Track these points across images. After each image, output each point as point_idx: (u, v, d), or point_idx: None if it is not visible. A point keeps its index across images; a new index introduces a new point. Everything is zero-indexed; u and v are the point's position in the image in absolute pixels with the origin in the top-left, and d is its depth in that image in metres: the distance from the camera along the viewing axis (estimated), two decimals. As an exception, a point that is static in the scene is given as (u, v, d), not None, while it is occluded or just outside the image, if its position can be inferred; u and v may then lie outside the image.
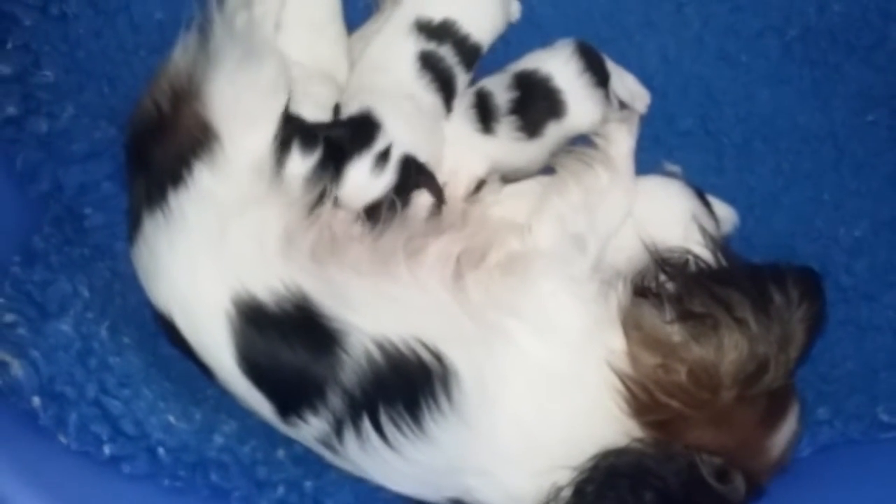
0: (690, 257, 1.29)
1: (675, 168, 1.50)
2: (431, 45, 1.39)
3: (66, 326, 1.22)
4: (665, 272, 1.27)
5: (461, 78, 1.42)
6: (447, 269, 1.25)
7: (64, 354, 1.20)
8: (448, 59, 1.40)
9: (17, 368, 1.16)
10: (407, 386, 1.18)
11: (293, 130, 1.30)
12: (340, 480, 1.27)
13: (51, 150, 1.37)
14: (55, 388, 1.18)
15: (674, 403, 1.17)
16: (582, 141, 1.44)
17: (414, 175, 1.32)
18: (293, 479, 1.26)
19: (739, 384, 1.17)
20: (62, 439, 1.17)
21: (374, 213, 1.31)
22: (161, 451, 1.21)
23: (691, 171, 1.50)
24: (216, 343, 1.22)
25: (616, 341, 1.22)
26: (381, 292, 1.23)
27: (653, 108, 1.53)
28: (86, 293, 1.27)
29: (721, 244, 1.33)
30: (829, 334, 1.35)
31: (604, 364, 1.20)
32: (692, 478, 1.15)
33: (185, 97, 1.29)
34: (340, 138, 1.31)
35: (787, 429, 1.22)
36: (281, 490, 1.25)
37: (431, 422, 1.17)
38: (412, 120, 1.35)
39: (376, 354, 1.18)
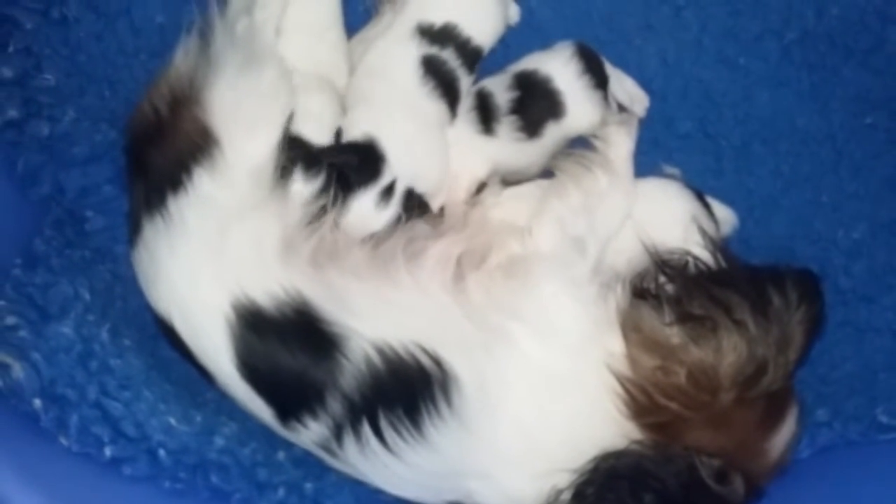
0: (690, 259, 1.29)
1: (675, 170, 1.51)
2: (434, 50, 1.39)
3: (67, 329, 1.22)
4: (665, 274, 1.27)
5: (464, 81, 1.42)
6: (448, 271, 1.25)
7: (65, 357, 1.21)
8: (451, 62, 1.40)
9: (18, 371, 1.16)
10: (407, 391, 1.18)
11: (297, 154, 1.30)
12: (340, 482, 1.27)
13: (52, 154, 1.38)
14: (56, 390, 1.19)
15: (673, 405, 1.18)
16: (581, 144, 1.45)
17: (415, 207, 1.33)
18: (293, 481, 1.27)
19: (738, 386, 1.17)
20: (63, 441, 1.18)
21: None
22: (162, 452, 1.21)
23: (690, 173, 1.51)
24: (216, 347, 1.22)
25: (615, 344, 1.22)
26: (381, 296, 1.23)
27: (652, 110, 1.54)
28: (87, 296, 1.28)
29: (720, 246, 1.33)
30: (827, 336, 1.34)
31: (603, 366, 1.20)
32: (691, 479, 1.15)
33: (186, 102, 1.29)
34: (347, 166, 1.31)
35: (786, 430, 1.22)
36: (281, 492, 1.25)
37: (431, 426, 1.18)
38: (414, 146, 1.35)
39: (376, 359, 1.18)
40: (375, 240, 1.28)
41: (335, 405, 1.19)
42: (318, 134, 1.34)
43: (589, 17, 1.58)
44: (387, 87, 1.38)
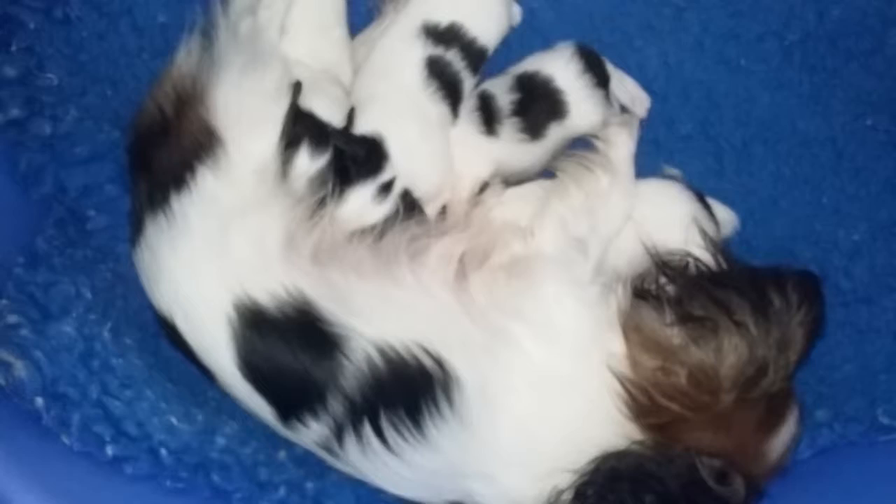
0: (691, 260, 1.29)
1: (676, 172, 1.51)
2: (439, 50, 1.39)
3: (68, 328, 1.22)
4: (665, 275, 1.28)
5: (468, 82, 1.42)
6: (450, 270, 1.25)
7: (67, 355, 1.21)
8: (455, 63, 1.40)
9: (20, 369, 1.16)
10: (408, 391, 1.18)
11: (304, 128, 1.30)
12: (342, 482, 1.27)
13: (54, 153, 1.38)
14: (58, 388, 1.19)
15: (673, 406, 1.18)
16: (582, 144, 1.45)
17: (414, 209, 1.34)
18: (295, 481, 1.27)
19: (739, 387, 1.17)
20: (65, 440, 1.18)
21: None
22: (163, 451, 1.21)
23: (691, 174, 1.51)
24: (217, 347, 1.22)
25: (616, 344, 1.22)
26: (384, 296, 1.23)
27: (653, 111, 1.54)
28: (88, 295, 1.28)
29: (721, 247, 1.34)
30: (828, 337, 1.35)
31: (604, 367, 1.20)
32: (692, 480, 1.16)
33: (190, 101, 1.30)
34: (355, 155, 1.31)
35: (787, 431, 1.22)
36: (282, 491, 1.25)
37: (432, 427, 1.18)
38: (417, 148, 1.35)
39: (377, 359, 1.18)
40: (377, 237, 1.27)
41: (336, 405, 1.19)
42: (329, 112, 1.33)
43: (590, 19, 1.58)
44: (392, 87, 1.38)
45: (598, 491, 1.16)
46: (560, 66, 1.44)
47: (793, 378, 1.23)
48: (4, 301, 1.22)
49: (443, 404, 1.17)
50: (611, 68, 1.48)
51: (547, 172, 1.45)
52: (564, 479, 1.16)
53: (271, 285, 1.21)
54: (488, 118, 1.42)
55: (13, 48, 1.40)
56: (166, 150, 1.28)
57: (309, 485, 1.27)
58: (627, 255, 1.33)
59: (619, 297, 1.26)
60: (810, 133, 1.58)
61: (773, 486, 1.22)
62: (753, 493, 1.19)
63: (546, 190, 1.38)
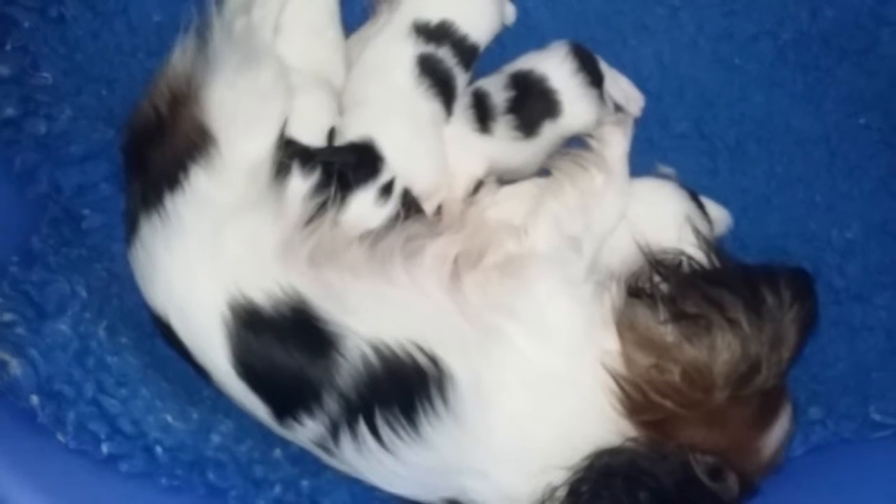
0: (684, 258, 1.30)
1: (669, 170, 1.51)
2: (430, 48, 1.40)
3: (64, 326, 1.23)
4: (659, 273, 1.28)
5: (460, 79, 1.42)
6: (444, 270, 1.26)
7: (62, 354, 1.21)
8: (447, 60, 1.40)
9: (15, 367, 1.16)
10: (403, 389, 1.18)
11: (293, 151, 1.31)
12: (337, 480, 1.28)
13: (49, 152, 1.38)
14: (53, 386, 1.19)
15: (667, 403, 1.18)
16: (577, 143, 1.45)
17: (411, 207, 1.34)
18: (290, 479, 1.27)
19: (732, 384, 1.18)
20: (60, 438, 1.18)
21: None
22: (158, 449, 1.21)
23: (685, 173, 1.51)
24: (212, 346, 1.23)
25: (610, 342, 1.23)
26: (378, 295, 1.23)
27: (647, 110, 1.54)
28: (83, 294, 1.28)
29: (714, 245, 1.34)
30: (821, 335, 1.36)
31: (598, 365, 1.20)
32: (686, 477, 1.16)
33: (184, 101, 1.30)
34: (345, 165, 1.31)
35: (780, 428, 1.22)
36: (278, 489, 1.26)
37: (427, 424, 1.18)
38: (410, 146, 1.36)
39: (372, 358, 1.19)
40: (373, 238, 1.28)
41: (332, 403, 1.19)
42: (309, 136, 1.34)
43: (585, 18, 1.58)
44: (383, 87, 1.39)
45: (592, 488, 1.16)
46: (554, 65, 1.44)
47: (786, 375, 1.24)
48: (0, 299, 1.22)
49: (437, 402, 1.18)
50: (605, 67, 1.49)
51: (542, 171, 1.45)
52: (558, 476, 1.17)
53: (266, 284, 1.21)
54: (482, 116, 1.42)
55: (8, 47, 1.39)
56: (161, 150, 1.28)
57: (304, 483, 1.28)
58: (621, 254, 1.33)
59: (613, 294, 1.26)
60: (804, 132, 1.58)
61: (767, 482, 1.23)
62: (747, 490, 1.20)
63: (541, 188, 1.38)
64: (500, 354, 1.20)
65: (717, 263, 1.30)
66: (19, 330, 1.20)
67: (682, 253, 1.30)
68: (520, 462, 1.19)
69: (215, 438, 1.26)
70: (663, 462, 1.16)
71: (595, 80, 1.45)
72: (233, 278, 1.21)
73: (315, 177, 1.29)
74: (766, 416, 1.21)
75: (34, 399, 1.18)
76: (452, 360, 1.19)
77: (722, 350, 1.18)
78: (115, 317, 1.30)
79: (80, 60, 1.46)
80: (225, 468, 1.24)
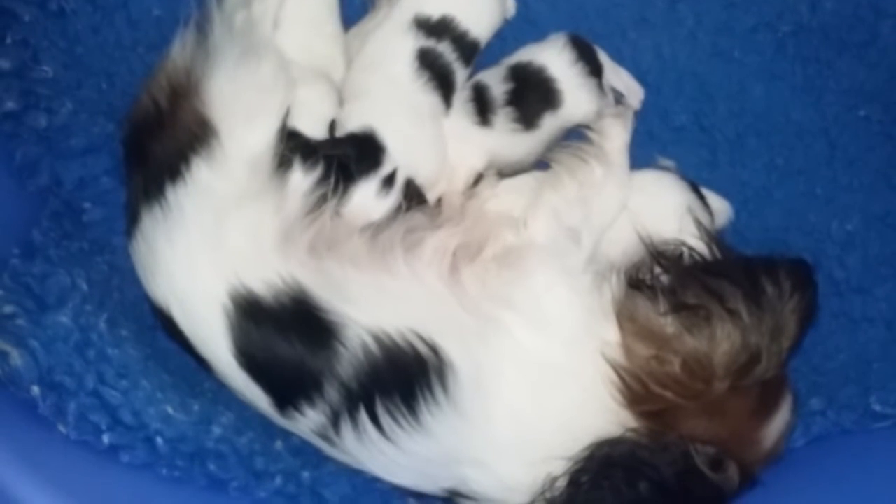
0: (685, 250, 1.30)
1: (670, 163, 1.51)
2: (430, 42, 1.40)
3: (64, 318, 1.22)
4: (659, 264, 1.28)
5: (460, 74, 1.43)
6: (444, 263, 1.26)
7: (63, 345, 1.21)
8: (447, 55, 1.41)
9: (16, 358, 1.16)
10: (403, 378, 1.19)
11: (295, 145, 1.31)
12: (338, 471, 1.28)
13: (50, 145, 1.38)
14: (54, 377, 1.19)
15: (667, 394, 1.18)
16: (577, 136, 1.45)
17: (413, 198, 1.34)
18: (291, 470, 1.27)
19: (732, 375, 1.18)
20: (61, 428, 1.18)
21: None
22: (159, 440, 1.21)
23: (685, 166, 1.51)
24: (213, 337, 1.23)
25: (610, 333, 1.23)
26: (379, 285, 1.23)
27: (647, 103, 1.54)
28: (84, 286, 1.28)
29: (715, 237, 1.34)
30: (822, 327, 1.37)
31: (598, 355, 1.21)
32: (686, 467, 1.16)
33: (184, 94, 1.30)
34: (346, 157, 1.32)
35: (781, 419, 1.23)
36: (279, 480, 1.26)
37: (428, 413, 1.18)
38: (410, 138, 1.36)
39: (373, 347, 1.19)
40: (374, 230, 1.28)
41: (332, 393, 1.19)
42: (312, 128, 1.34)
43: (584, 11, 1.58)
44: (383, 80, 1.39)
45: (592, 478, 1.17)
46: (553, 56, 1.45)
47: (786, 366, 1.24)
48: (1, 292, 1.22)
49: (437, 391, 1.18)
50: (605, 59, 1.49)
51: (541, 164, 1.46)
52: (558, 467, 1.17)
53: (267, 275, 1.21)
54: (482, 108, 1.42)
55: (8, 41, 1.39)
56: (161, 142, 1.29)
57: (305, 474, 1.28)
58: (622, 245, 1.34)
59: (613, 286, 1.26)
60: (804, 124, 1.58)
61: (768, 473, 1.23)
62: (747, 481, 1.20)
63: (540, 181, 1.39)
64: (499, 344, 1.20)
65: (717, 254, 1.30)
66: (20, 321, 1.20)
67: (683, 244, 1.31)
68: (520, 452, 1.19)
69: (216, 430, 1.26)
70: (664, 453, 1.17)
71: (594, 69, 1.46)
72: (234, 269, 1.22)
73: (317, 172, 1.30)
74: (766, 407, 1.22)
75: (35, 390, 1.18)
76: (452, 350, 1.19)
77: (722, 340, 1.18)
78: (116, 309, 1.30)
79: (80, 54, 1.46)
80: (226, 459, 1.24)
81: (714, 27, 1.59)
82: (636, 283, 1.27)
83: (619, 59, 1.54)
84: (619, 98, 1.50)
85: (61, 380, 1.19)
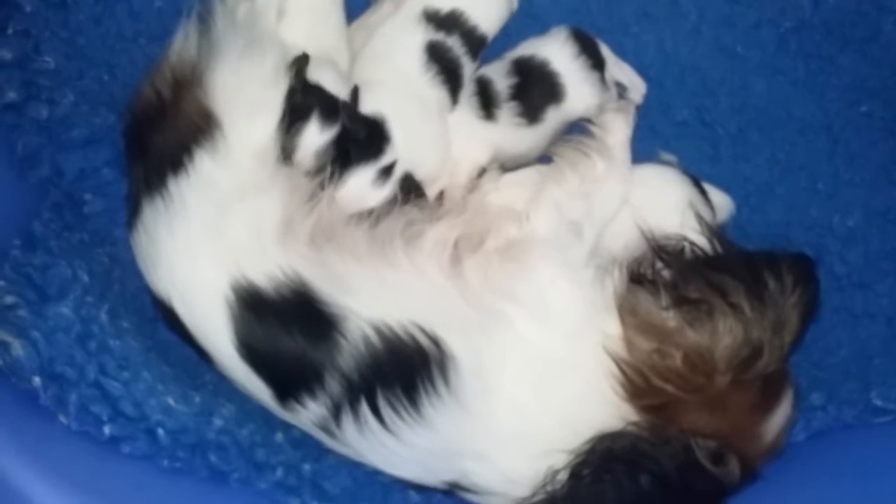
0: (686, 244, 1.30)
1: (671, 157, 1.51)
2: (439, 36, 1.40)
3: (66, 309, 1.22)
4: (661, 259, 1.28)
5: (467, 68, 1.43)
6: (445, 255, 1.26)
7: (64, 336, 1.21)
8: (455, 49, 1.41)
9: (17, 348, 1.16)
10: (405, 370, 1.19)
11: (315, 100, 1.30)
12: (338, 464, 1.28)
13: (51, 136, 1.38)
14: (55, 368, 1.19)
15: (669, 388, 1.18)
16: (579, 130, 1.45)
17: (412, 192, 1.34)
18: (292, 462, 1.27)
19: (734, 369, 1.18)
20: (62, 419, 1.18)
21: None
22: (160, 432, 1.21)
23: (687, 161, 1.51)
24: (215, 329, 1.23)
25: (612, 326, 1.23)
26: (380, 277, 1.23)
27: (649, 98, 1.54)
28: (85, 278, 1.27)
29: (716, 231, 1.34)
30: (823, 322, 1.37)
31: (600, 349, 1.20)
32: (687, 461, 1.16)
33: (187, 85, 1.30)
34: (356, 133, 1.31)
35: (782, 413, 1.23)
36: (280, 472, 1.26)
37: (429, 406, 1.18)
38: (417, 131, 1.36)
39: (374, 339, 1.19)
40: (374, 221, 1.28)
41: (334, 385, 1.19)
42: (336, 85, 1.33)
43: (587, 5, 1.58)
44: (391, 72, 1.39)
45: (593, 471, 1.17)
46: (555, 49, 1.45)
47: (788, 360, 1.24)
48: (2, 282, 1.22)
49: (439, 383, 1.18)
50: (607, 53, 1.49)
51: (544, 158, 1.45)
52: (560, 460, 1.17)
53: (268, 267, 1.21)
54: (486, 103, 1.42)
55: (10, 31, 1.39)
56: (163, 134, 1.28)
57: (306, 466, 1.28)
58: (624, 239, 1.34)
59: (615, 279, 1.26)
60: (806, 120, 1.58)
61: (768, 468, 1.23)
62: (748, 475, 1.20)
63: (542, 175, 1.39)
64: (501, 337, 1.20)
65: (719, 249, 1.30)
66: (21, 312, 1.20)
67: (685, 239, 1.31)
68: (521, 445, 1.19)
69: (217, 422, 1.25)
70: (665, 446, 1.17)
71: (596, 63, 1.46)
72: (235, 261, 1.21)
73: (332, 133, 1.29)
74: (767, 401, 1.22)
75: (36, 380, 1.17)
76: (454, 342, 1.19)
77: (724, 335, 1.18)
78: (117, 301, 1.29)
79: (81, 45, 1.46)
80: (227, 451, 1.24)
81: (717, 22, 1.59)
82: (638, 277, 1.27)
83: (621, 53, 1.53)
84: (621, 92, 1.49)
85: (62, 371, 1.19)
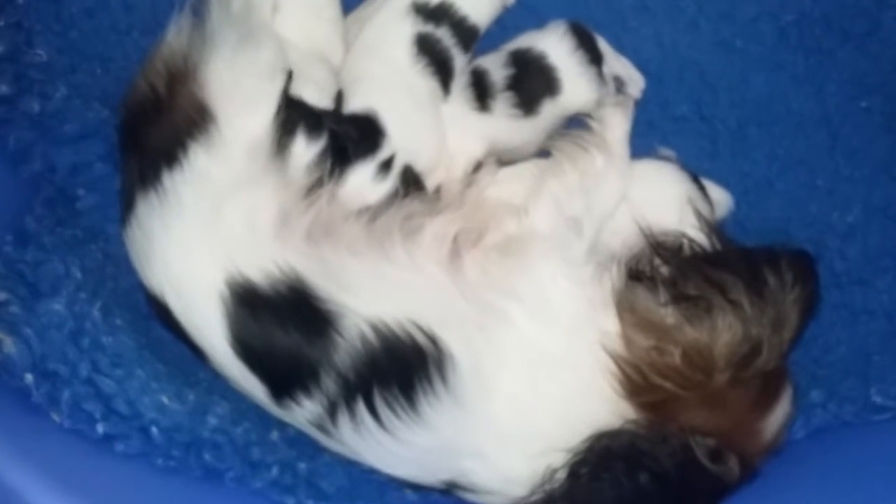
0: (685, 240, 1.29)
1: (670, 153, 1.50)
2: (429, 28, 1.39)
3: (58, 306, 1.21)
4: (660, 255, 1.27)
5: (459, 59, 1.42)
6: (444, 249, 1.25)
7: (56, 333, 1.20)
8: (445, 40, 1.40)
9: (9, 345, 1.15)
10: (402, 368, 1.18)
11: (298, 115, 1.29)
12: (334, 462, 1.27)
13: (43, 130, 1.37)
14: (48, 366, 1.18)
15: (668, 385, 1.18)
16: (577, 125, 1.44)
17: (410, 185, 1.33)
18: (287, 461, 1.26)
19: (733, 366, 1.17)
20: (55, 417, 1.17)
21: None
22: (154, 430, 1.20)
23: (686, 156, 1.50)
24: (209, 325, 1.22)
25: (610, 323, 1.22)
26: (377, 273, 1.22)
27: (648, 92, 1.53)
28: (78, 274, 1.27)
29: (715, 228, 1.34)
30: (822, 319, 1.36)
31: (598, 346, 1.20)
32: (686, 459, 1.16)
33: (182, 79, 1.29)
34: (346, 136, 1.31)
35: (781, 411, 1.22)
36: (275, 471, 1.25)
37: (426, 404, 1.17)
38: (410, 122, 1.35)
39: (371, 336, 1.18)
40: (371, 216, 1.27)
41: (330, 383, 1.18)
42: (318, 97, 1.33)
43: (584, -1, 1.58)
44: (382, 65, 1.38)
45: (591, 470, 1.16)
46: (553, 43, 1.44)
47: (787, 357, 1.23)
48: (-7, 278, 1.21)
49: (437, 382, 1.17)
50: (605, 47, 1.48)
51: (542, 152, 1.45)
52: (558, 458, 1.16)
53: (264, 262, 1.20)
54: (481, 94, 1.42)
55: (1, 24, 1.38)
56: (158, 128, 1.27)
57: (301, 465, 1.27)
58: (622, 236, 1.33)
59: (614, 276, 1.25)
60: (805, 115, 1.57)
61: (768, 465, 1.22)
62: (748, 473, 1.20)
63: (541, 169, 1.38)
64: (499, 334, 1.19)
65: (717, 245, 1.30)
66: (13, 308, 1.19)
67: (683, 235, 1.30)
68: (519, 444, 1.19)
69: (212, 420, 1.25)
70: (663, 444, 1.16)
71: (593, 57, 1.45)
72: (230, 257, 1.20)
73: (320, 145, 1.28)
74: (766, 399, 1.21)
75: (29, 378, 1.16)
76: (452, 340, 1.18)
77: (723, 331, 1.17)
78: (111, 298, 1.28)
79: (74, 38, 1.45)
80: (221, 450, 1.23)
81: (716, 16, 1.58)
82: (636, 273, 1.26)
83: (619, 47, 1.53)
84: (619, 87, 1.49)
85: (55, 368, 1.18)
